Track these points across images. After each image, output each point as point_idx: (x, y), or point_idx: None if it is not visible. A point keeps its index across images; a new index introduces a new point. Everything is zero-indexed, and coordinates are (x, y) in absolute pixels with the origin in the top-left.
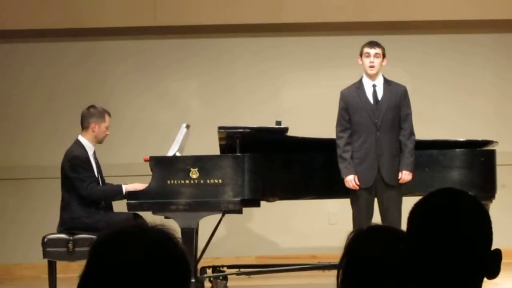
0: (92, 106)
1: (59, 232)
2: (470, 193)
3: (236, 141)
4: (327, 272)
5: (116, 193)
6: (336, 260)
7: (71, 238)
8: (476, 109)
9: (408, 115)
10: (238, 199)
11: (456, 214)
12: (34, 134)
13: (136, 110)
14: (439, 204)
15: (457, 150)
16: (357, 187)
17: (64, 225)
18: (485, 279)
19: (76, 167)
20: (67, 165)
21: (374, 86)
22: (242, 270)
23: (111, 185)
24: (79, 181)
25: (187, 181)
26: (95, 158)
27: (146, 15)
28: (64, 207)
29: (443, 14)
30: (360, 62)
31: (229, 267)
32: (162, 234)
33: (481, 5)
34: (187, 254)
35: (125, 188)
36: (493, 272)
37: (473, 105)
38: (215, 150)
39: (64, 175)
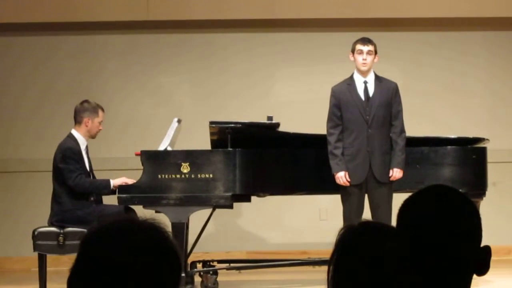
0: (86, 101)
1: (50, 224)
2: (461, 190)
3: (227, 136)
4: (317, 267)
5: (103, 187)
6: (326, 256)
7: (62, 231)
8: (467, 107)
9: (399, 112)
10: (229, 194)
11: (445, 211)
12: (28, 127)
13: (129, 105)
14: (429, 201)
15: (448, 147)
16: (348, 184)
17: (55, 217)
18: (475, 276)
19: (67, 158)
20: (59, 156)
21: (365, 82)
22: (232, 265)
23: (99, 179)
24: (68, 171)
25: (178, 176)
26: (87, 153)
27: (139, 9)
28: (55, 199)
29: (435, 11)
30: (352, 58)
31: (219, 262)
32: (153, 228)
33: (473, 3)
34: (178, 248)
35: (113, 182)
36: (482, 269)
37: (464, 103)
38: (207, 145)
39: (55, 166)
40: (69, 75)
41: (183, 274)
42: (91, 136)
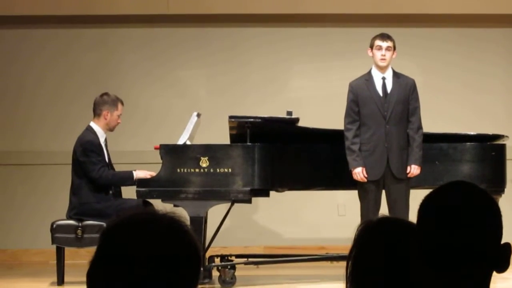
0: (106, 94)
1: (68, 217)
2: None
3: (246, 130)
4: (335, 263)
5: (127, 178)
6: (344, 251)
7: (80, 224)
8: (485, 104)
9: (417, 109)
10: (247, 188)
11: (466, 207)
12: (45, 120)
13: (147, 98)
14: (450, 197)
15: (468, 143)
16: (365, 180)
17: (74, 210)
18: (494, 272)
19: (88, 151)
20: (80, 150)
21: (383, 78)
22: (250, 259)
23: (122, 171)
24: (91, 164)
25: (197, 170)
26: (106, 146)
27: (159, 3)
28: (74, 192)
29: (454, 7)
30: (370, 54)
31: (237, 256)
32: (172, 222)
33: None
34: (197, 241)
35: (136, 174)
36: (502, 266)
37: (482, 100)
38: (226, 139)
39: (75, 159)
40: (87, 68)
41: (200, 268)
42: (110, 129)
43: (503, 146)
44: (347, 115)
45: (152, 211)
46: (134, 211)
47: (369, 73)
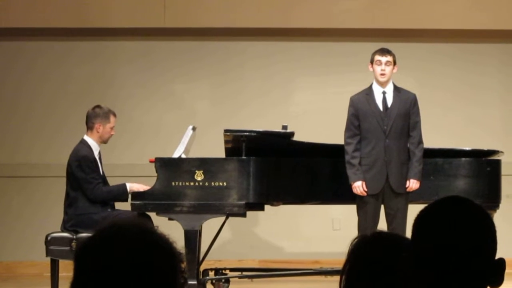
0: (98, 106)
1: (63, 230)
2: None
3: (242, 144)
4: (329, 277)
5: (121, 193)
6: (339, 265)
7: (75, 236)
8: (482, 118)
9: (417, 123)
10: (242, 202)
11: (461, 222)
12: (40, 132)
13: (142, 111)
14: (445, 212)
15: (463, 159)
16: (365, 193)
17: (71, 222)
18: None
19: (84, 167)
20: (75, 164)
21: (384, 93)
22: (244, 273)
23: (115, 185)
24: (86, 182)
25: (192, 183)
26: (100, 159)
27: (155, 16)
28: (70, 204)
29: (451, 23)
30: (371, 69)
31: (232, 270)
32: (139, 230)
33: (489, 15)
34: (167, 240)
35: (129, 187)
36: (496, 281)
37: (479, 114)
38: (221, 153)
39: (70, 173)
40: (82, 81)
41: (195, 282)
42: (103, 141)
43: (498, 162)
44: (347, 129)
45: (117, 223)
46: (99, 227)
47: (370, 87)
